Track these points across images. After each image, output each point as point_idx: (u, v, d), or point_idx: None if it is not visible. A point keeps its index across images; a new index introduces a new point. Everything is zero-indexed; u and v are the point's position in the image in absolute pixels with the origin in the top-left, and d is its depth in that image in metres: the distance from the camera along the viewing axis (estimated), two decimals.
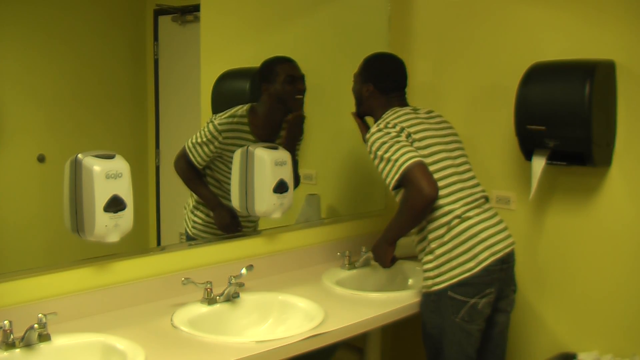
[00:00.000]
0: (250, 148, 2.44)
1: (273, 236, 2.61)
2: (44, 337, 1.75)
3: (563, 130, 2.29)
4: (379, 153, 2.21)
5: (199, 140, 2.47)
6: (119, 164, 1.97)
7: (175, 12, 2.65)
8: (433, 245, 2.21)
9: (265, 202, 2.43)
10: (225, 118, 2.51)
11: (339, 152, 3.05)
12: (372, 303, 2.29)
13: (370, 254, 2.69)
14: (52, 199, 2.08)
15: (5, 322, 1.70)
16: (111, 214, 1.94)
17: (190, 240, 2.52)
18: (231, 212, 2.50)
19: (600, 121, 2.28)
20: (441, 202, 2.19)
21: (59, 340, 1.78)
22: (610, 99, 2.34)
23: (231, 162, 2.46)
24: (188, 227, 2.55)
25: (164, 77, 2.56)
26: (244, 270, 2.21)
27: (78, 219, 1.96)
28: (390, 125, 2.25)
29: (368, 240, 2.82)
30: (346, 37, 3.02)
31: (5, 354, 1.69)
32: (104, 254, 2.08)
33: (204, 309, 2.11)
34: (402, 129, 2.24)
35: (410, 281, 2.70)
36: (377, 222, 3.02)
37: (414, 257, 2.84)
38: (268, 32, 2.89)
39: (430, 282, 2.22)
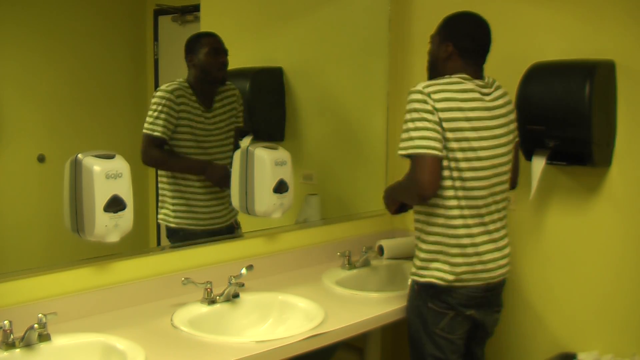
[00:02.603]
0: (250, 148, 2.44)
1: (273, 236, 2.61)
2: (44, 337, 1.75)
3: (563, 130, 2.28)
4: (407, 117, 2.04)
5: (155, 114, 2.40)
6: (119, 164, 1.97)
7: (175, 12, 2.66)
8: (431, 241, 2.14)
9: (265, 202, 2.43)
10: (167, 84, 2.46)
11: (339, 152, 3.05)
12: (372, 303, 2.29)
13: (370, 254, 2.70)
14: (52, 199, 2.09)
15: (5, 322, 1.70)
16: (111, 214, 1.94)
17: (173, 235, 2.49)
18: (223, 165, 2.49)
19: (600, 121, 2.28)
20: (458, 222, 2.07)
21: (59, 340, 1.77)
22: (610, 99, 2.34)
23: (187, 130, 2.43)
24: (169, 221, 2.52)
25: (164, 77, 2.56)
26: (244, 270, 2.21)
27: (78, 219, 1.96)
28: (435, 97, 2.02)
29: (368, 240, 2.83)
30: (346, 37, 3.02)
31: (5, 354, 1.68)
32: (104, 254, 2.08)
33: (204, 309, 2.11)
34: (441, 109, 2.02)
35: (410, 281, 2.69)
36: (377, 222, 3.02)
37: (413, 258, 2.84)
38: (268, 32, 2.89)
39: (414, 270, 2.19)
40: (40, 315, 1.74)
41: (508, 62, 2.63)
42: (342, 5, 3.00)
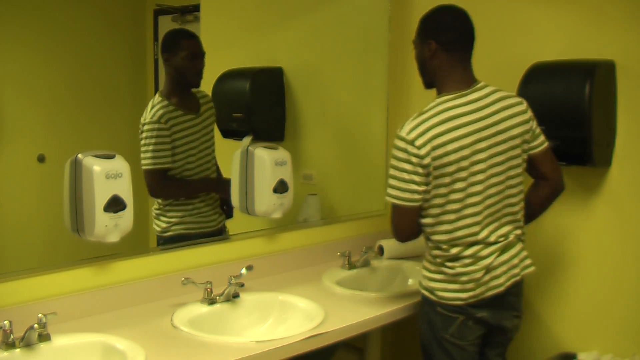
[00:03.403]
0: (250, 148, 2.44)
1: (273, 236, 2.61)
2: (44, 337, 1.75)
3: (563, 130, 2.28)
4: (391, 162, 2.03)
5: (150, 147, 2.39)
6: (119, 164, 1.97)
7: (175, 12, 2.66)
8: (437, 255, 2.08)
9: (265, 202, 2.43)
10: (149, 112, 2.43)
11: (339, 152, 3.05)
12: (372, 303, 2.29)
13: (370, 254, 2.70)
14: (52, 199, 2.09)
15: (5, 322, 1.70)
16: (111, 214, 1.94)
17: (165, 242, 2.49)
18: (227, 179, 2.50)
19: (600, 121, 2.28)
20: (463, 232, 2.02)
21: (59, 340, 1.77)
22: (610, 99, 2.34)
23: (184, 145, 2.44)
24: (160, 230, 2.52)
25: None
26: (244, 270, 2.21)
27: (78, 219, 1.96)
28: (417, 144, 1.95)
29: (368, 240, 2.83)
30: (346, 37, 3.02)
31: (5, 354, 1.68)
32: (104, 254, 2.08)
33: (204, 309, 2.11)
34: (427, 154, 1.95)
35: (410, 281, 2.70)
36: (377, 222, 3.02)
37: (413, 257, 2.84)
38: (268, 32, 2.89)
39: (425, 283, 2.13)
40: (40, 315, 1.74)
41: (508, 62, 2.63)
42: (342, 5, 3.00)
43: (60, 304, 1.91)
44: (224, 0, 2.83)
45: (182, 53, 2.43)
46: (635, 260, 2.34)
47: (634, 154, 2.33)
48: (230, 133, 2.72)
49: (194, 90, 2.53)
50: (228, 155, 2.56)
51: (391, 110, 3.06)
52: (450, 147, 1.96)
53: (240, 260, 2.38)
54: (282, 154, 2.48)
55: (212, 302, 2.13)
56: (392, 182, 2.02)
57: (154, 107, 2.42)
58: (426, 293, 2.11)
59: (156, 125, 2.38)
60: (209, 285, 2.13)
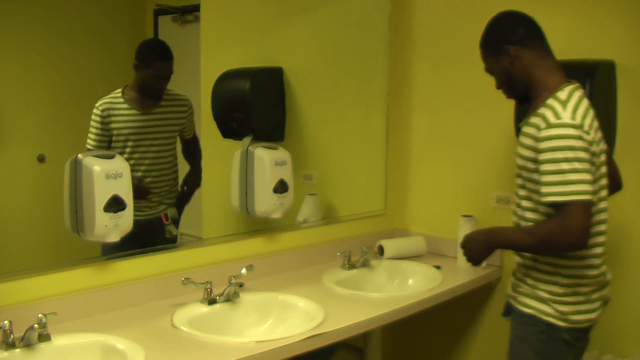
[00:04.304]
0: (250, 148, 2.44)
1: (273, 236, 2.61)
2: (44, 337, 1.75)
3: None
4: (559, 156, 1.74)
5: (90, 130, 2.37)
6: (119, 164, 1.97)
7: (175, 12, 2.65)
8: (567, 275, 1.88)
9: (265, 202, 2.43)
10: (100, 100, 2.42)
11: (339, 152, 3.05)
12: (372, 303, 2.29)
13: (370, 254, 2.69)
14: (52, 199, 2.09)
15: (5, 322, 1.70)
16: (111, 214, 1.94)
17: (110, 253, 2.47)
18: (137, 177, 2.43)
19: (600, 121, 2.27)
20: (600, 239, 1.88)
21: (59, 340, 1.77)
22: (610, 99, 2.34)
23: (121, 139, 2.40)
24: None
25: None
26: (244, 270, 2.21)
27: (78, 219, 1.96)
28: (585, 128, 1.77)
29: (368, 240, 2.83)
30: (346, 37, 3.02)
31: (5, 354, 1.68)
32: (104, 254, 2.08)
33: (204, 309, 2.11)
34: (592, 142, 1.79)
35: (410, 281, 2.70)
36: (377, 222, 3.03)
37: (413, 257, 2.84)
38: (268, 32, 2.89)
39: (548, 308, 1.89)
40: (40, 315, 1.73)
41: None
42: (342, 5, 3.00)
43: (60, 304, 1.91)
44: (224, 0, 2.83)
45: (150, 72, 2.44)
46: (634, 260, 2.34)
47: (634, 154, 2.33)
48: (230, 133, 2.72)
49: (171, 92, 2.52)
50: (228, 155, 2.56)
51: (391, 110, 3.06)
52: (597, 138, 1.84)
53: (240, 260, 2.38)
54: (282, 154, 2.48)
55: (212, 302, 2.13)
56: (573, 177, 1.72)
57: (107, 96, 2.43)
58: (550, 319, 1.88)
59: (96, 111, 2.37)
60: (209, 285, 2.13)
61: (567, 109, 1.79)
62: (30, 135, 2.26)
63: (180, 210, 2.57)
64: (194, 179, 2.64)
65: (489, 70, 2.03)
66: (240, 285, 2.16)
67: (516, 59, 1.92)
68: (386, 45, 3.02)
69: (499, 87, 2.04)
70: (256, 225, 2.62)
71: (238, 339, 1.98)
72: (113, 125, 2.38)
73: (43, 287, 1.93)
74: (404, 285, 2.70)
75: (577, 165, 1.73)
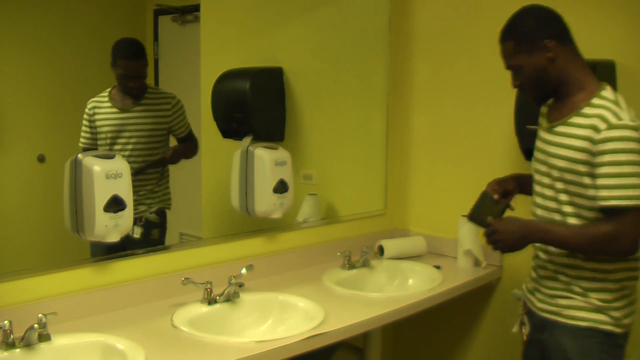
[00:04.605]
0: (250, 148, 2.44)
1: (273, 236, 2.61)
2: (44, 337, 1.75)
3: None
4: (623, 158, 1.67)
5: (82, 128, 2.38)
6: (119, 164, 1.97)
7: (175, 12, 2.65)
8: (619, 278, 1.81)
9: (265, 202, 2.43)
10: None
11: (339, 152, 3.05)
12: (372, 303, 2.29)
13: (370, 254, 2.69)
14: (52, 199, 2.09)
15: (5, 322, 1.70)
16: (111, 214, 1.94)
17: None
18: None
19: None
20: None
21: (59, 340, 1.77)
22: None
23: (103, 136, 2.38)
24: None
25: (164, 77, 2.56)
26: (244, 270, 2.21)
27: (78, 219, 1.96)
28: None
29: (368, 240, 2.83)
30: (346, 37, 3.02)
31: (5, 354, 1.68)
32: (104, 254, 2.08)
33: (204, 309, 2.10)
34: None
35: (410, 281, 2.70)
36: (377, 222, 3.03)
37: (413, 257, 2.84)
38: (268, 32, 2.89)
39: (604, 317, 1.80)
40: (40, 315, 1.73)
41: None
42: (342, 6, 3.00)
43: (60, 304, 1.91)
44: (225, 0, 2.83)
45: (118, 70, 2.41)
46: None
47: None
48: (230, 133, 2.72)
49: (157, 90, 2.50)
50: (228, 155, 2.56)
51: (391, 110, 3.06)
52: None
53: (240, 260, 2.38)
54: (282, 154, 2.48)
55: (212, 302, 2.13)
56: (636, 181, 1.66)
57: (97, 95, 2.42)
58: (609, 328, 1.79)
59: (86, 110, 2.37)
60: (209, 285, 2.13)
61: (623, 110, 1.73)
62: (30, 135, 2.26)
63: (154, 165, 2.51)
64: (181, 148, 2.56)
65: (515, 67, 1.87)
66: (240, 285, 2.16)
67: (557, 54, 1.79)
68: (386, 45, 3.02)
69: (521, 86, 1.90)
70: (256, 225, 2.61)
71: (238, 339, 1.97)
72: (97, 124, 2.38)
73: (43, 287, 1.93)
74: (404, 285, 2.70)
75: (639, 169, 1.67)
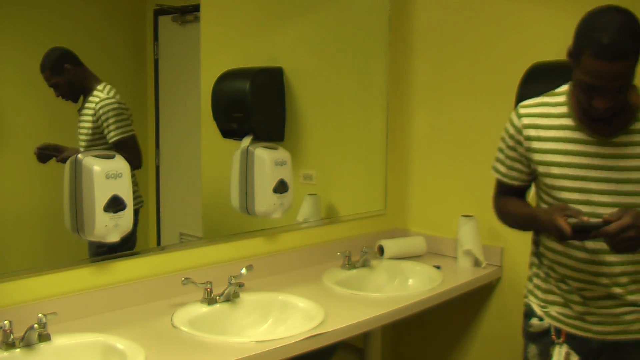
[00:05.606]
0: (250, 148, 2.44)
1: (273, 236, 2.61)
2: (44, 337, 1.75)
3: None
4: None
5: None
6: (119, 164, 1.97)
7: (175, 12, 2.65)
8: None
9: (265, 202, 2.43)
10: None
11: (339, 152, 3.05)
12: (372, 303, 2.29)
13: (370, 254, 2.69)
14: (52, 199, 2.08)
15: (5, 322, 1.70)
16: (111, 214, 1.94)
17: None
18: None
19: None
20: None
21: (59, 340, 1.77)
22: None
23: (87, 136, 2.30)
24: None
25: (164, 77, 2.56)
26: (244, 270, 2.21)
27: (78, 219, 1.96)
28: None
29: (368, 240, 2.83)
30: (346, 37, 3.02)
31: (5, 354, 1.68)
32: (104, 254, 2.08)
33: (204, 309, 2.11)
34: None
35: (410, 281, 2.70)
36: (377, 222, 3.03)
37: (413, 257, 2.84)
38: (268, 32, 2.89)
39: None
40: (40, 315, 1.74)
41: (508, 62, 2.64)
42: (342, 6, 3.00)
43: (60, 304, 1.91)
44: (224, 0, 2.83)
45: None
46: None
47: None
48: (230, 133, 2.71)
49: (100, 92, 2.42)
50: (228, 155, 2.56)
51: (391, 110, 3.06)
52: None
53: (240, 260, 2.38)
54: (282, 154, 2.48)
55: (212, 302, 2.13)
56: None
57: None
58: None
59: None
60: (209, 285, 2.13)
61: None
62: (30, 135, 2.26)
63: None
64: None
65: (626, 86, 1.61)
66: (240, 285, 2.16)
67: None
68: (386, 45, 3.02)
69: (614, 105, 1.64)
70: (256, 225, 2.61)
71: (238, 339, 1.97)
72: None
73: (43, 287, 1.93)
74: (404, 285, 2.70)
75: None
